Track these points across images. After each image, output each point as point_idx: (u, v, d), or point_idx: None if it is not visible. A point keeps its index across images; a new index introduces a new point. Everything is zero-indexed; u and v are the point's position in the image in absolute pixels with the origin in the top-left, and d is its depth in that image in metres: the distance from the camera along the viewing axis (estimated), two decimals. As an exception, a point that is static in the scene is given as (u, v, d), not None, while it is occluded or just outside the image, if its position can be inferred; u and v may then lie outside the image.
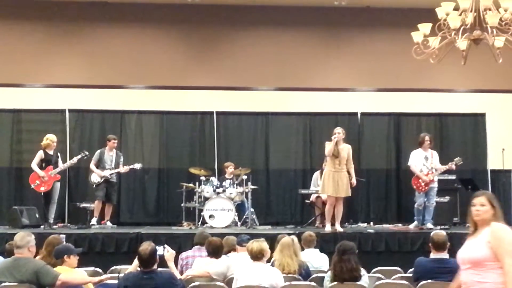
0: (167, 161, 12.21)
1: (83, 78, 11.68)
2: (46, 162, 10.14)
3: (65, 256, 5.65)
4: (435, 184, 10.22)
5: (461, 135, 12.59)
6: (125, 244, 9.07)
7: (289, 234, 6.91)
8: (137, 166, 10.78)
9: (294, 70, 11.89)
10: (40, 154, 10.16)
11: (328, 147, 9.62)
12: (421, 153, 10.25)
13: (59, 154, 10.43)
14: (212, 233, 8.16)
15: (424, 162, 10.20)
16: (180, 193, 10.94)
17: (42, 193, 10.08)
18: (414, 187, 10.24)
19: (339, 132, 9.64)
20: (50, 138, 10.27)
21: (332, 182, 9.55)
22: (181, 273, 6.38)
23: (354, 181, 9.78)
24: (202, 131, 12.35)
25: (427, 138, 10.29)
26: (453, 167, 10.35)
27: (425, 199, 10.14)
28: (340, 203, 9.70)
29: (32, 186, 10.02)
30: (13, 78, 11.54)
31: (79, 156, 10.45)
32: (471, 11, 7.21)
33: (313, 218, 10.88)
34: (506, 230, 4.10)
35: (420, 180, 10.11)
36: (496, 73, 11.19)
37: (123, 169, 10.62)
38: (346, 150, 9.69)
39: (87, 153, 10.53)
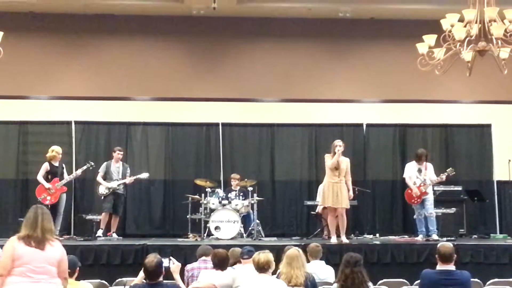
0: (172, 172, 12.21)
1: (89, 90, 11.73)
2: (52, 174, 10.12)
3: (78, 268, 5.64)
4: (430, 195, 10.27)
5: (467, 146, 12.56)
6: (131, 256, 9.04)
7: (296, 246, 6.88)
8: (144, 175, 10.80)
9: (299, 81, 11.91)
10: (45, 166, 10.15)
11: (330, 160, 9.64)
12: (415, 166, 10.39)
13: (64, 165, 10.43)
14: (218, 244, 8.17)
15: (418, 175, 10.32)
16: (186, 205, 10.94)
17: (49, 206, 10.06)
18: (407, 199, 10.41)
19: (340, 145, 9.67)
20: (56, 150, 10.25)
21: (332, 193, 9.58)
22: (187, 285, 6.37)
23: (351, 193, 9.84)
24: (207, 142, 12.36)
25: (418, 152, 10.47)
26: (443, 178, 10.40)
27: (423, 210, 10.18)
28: (343, 215, 9.69)
29: (39, 199, 9.93)
30: (19, 90, 11.60)
31: (84, 167, 10.47)
32: (476, 22, 7.22)
33: (319, 229, 10.86)
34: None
35: (412, 193, 10.24)
36: (501, 84, 11.20)
37: (129, 179, 10.64)
38: (345, 162, 9.75)
39: (92, 163, 10.54)
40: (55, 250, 4.84)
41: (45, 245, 4.75)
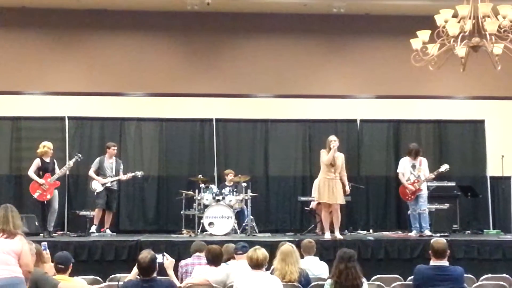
0: (166, 168, 12.21)
1: (82, 85, 11.68)
2: (43, 170, 9.97)
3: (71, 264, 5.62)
4: (424, 192, 10.28)
5: (460, 142, 12.60)
6: (124, 252, 9.04)
7: (290, 242, 6.88)
8: (139, 174, 10.77)
9: (293, 77, 11.89)
10: (37, 162, 10.03)
11: (326, 155, 9.64)
12: (409, 161, 10.39)
13: (55, 161, 10.31)
14: (212, 240, 8.16)
15: (412, 171, 10.33)
16: (180, 201, 10.93)
17: (45, 202, 9.98)
18: (401, 196, 10.41)
19: (335, 140, 9.68)
20: (47, 146, 10.12)
21: (327, 189, 9.59)
22: (181, 281, 6.37)
23: (348, 188, 9.88)
24: (201, 138, 12.35)
25: (410, 147, 10.47)
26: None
27: (417, 207, 10.19)
28: (337, 210, 9.71)
29: (34, 196, 9.84)
30: (13, 85, 11.53)
31: (73, 160, 10.38)
32: (469, 18, 7.21)
33: (313, 225, 10.87)
34: None
35: (406, 190, 10.24)
36: (495, 80, 11.20)
37: (124, 176, 10.61)
38: (340, 158, 9.78)
39: (80, 155, 10.46)
40: (14, 242, 5.17)
41: (4, 236, 5.18)
